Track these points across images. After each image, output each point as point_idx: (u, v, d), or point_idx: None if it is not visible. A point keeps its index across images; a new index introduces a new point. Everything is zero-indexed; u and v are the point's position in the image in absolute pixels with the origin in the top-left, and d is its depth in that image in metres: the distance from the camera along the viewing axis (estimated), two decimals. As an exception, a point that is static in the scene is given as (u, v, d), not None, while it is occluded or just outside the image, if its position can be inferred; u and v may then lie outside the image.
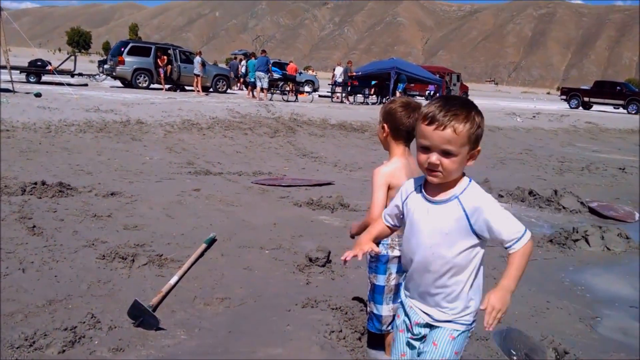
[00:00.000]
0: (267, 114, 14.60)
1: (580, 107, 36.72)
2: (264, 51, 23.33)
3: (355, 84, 25.34)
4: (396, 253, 3.06)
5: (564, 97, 39.80)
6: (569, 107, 37.16)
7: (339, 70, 28.07)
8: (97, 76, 25.96)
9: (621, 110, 35.60)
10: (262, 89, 20.76)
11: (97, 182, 7.37)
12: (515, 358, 2.66)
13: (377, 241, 3.06)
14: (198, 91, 21.71)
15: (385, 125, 2.97)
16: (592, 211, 7.67)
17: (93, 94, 15.49)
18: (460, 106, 1.96)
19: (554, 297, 4.38)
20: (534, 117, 21.57)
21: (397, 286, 3.13)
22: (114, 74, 22.36)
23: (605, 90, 37.75)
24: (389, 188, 2.83)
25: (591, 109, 35.91)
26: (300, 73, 33.80)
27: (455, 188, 2.03)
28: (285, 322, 3.60)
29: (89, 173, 8.03)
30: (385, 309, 3.13)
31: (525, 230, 1.98)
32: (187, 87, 23.03)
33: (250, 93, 22.34)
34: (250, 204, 6.93)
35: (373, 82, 26.06)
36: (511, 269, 2.02)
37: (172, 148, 10.37)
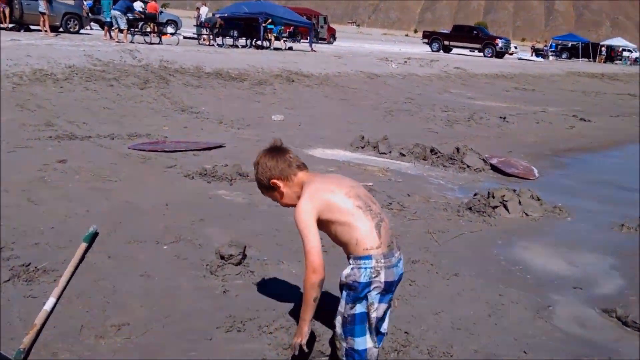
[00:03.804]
0: (133, 60, 13.00)
1: (441, 51, 38.00)
2: None
3: (222, 25, 23.79)
4: (382, 278, 2.35)
5: (425, 40, 40.99)
6: (430, 50, 38.29)
7: (204, 9, 26.32)
8: None
9: (477, 53, 37.30)
10: (120, 30, 18.72)
11: None
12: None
13: (359, 265, 2.37)
14: (46, 31, 19.07)
15: (274, 183, 2.51)
16: (494, 168, 7.52)
17: None
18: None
19: (500, 284, 3.97)
20: (405, 62, 21.64)
21: (377, 320, 2.44)
22: (-61, 10, 18.99)
23: (463, 34, 39.52)
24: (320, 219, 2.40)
25: (451, 52, 37.27)
26: (161, 12, 31.23)
27: None
28: (208, 357, 2.80)
29: None
30: (369, 341, 2.44)
31: None
32: (32, 27, 20.17)
33: (107, 34, 20.09)
34: (132, 178, 5.84)
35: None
36: None
37: (24, 105, 8.71)
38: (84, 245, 3.95)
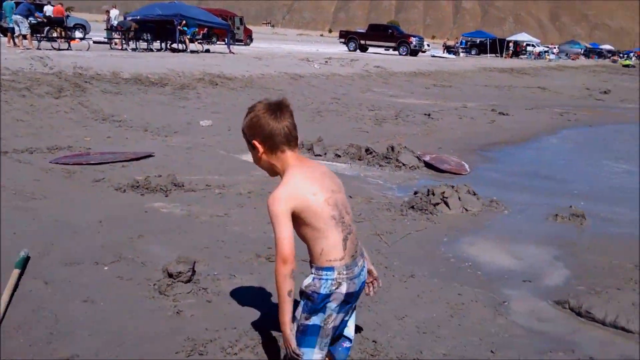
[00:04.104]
0: (44, 68, 12.26)
1: (358, 50, 38.57)
2: None
3: (136, 28, 23.00)
4: (342, 289, 2.27)
5: (342, 40, 41.49)
6: (347, 49, 38.78)
7: (114, 12, 25.39)
8: None
9: (392, 52, 38.14)
10: (23, 36, 17.72)
11: None
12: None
13: (320, 275, 2.28)
14: (-59, 39, 17.75)
15: (255, 142, 2.29)
16: (428, 165, 7.63)
17: None
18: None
19: (455, 283, 3.99)
20: (326, 62, 21.73)
21: (334, 329, 2.35)
22: None
23: (378, 33, 40.33)
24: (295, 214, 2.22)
25: (367, 51, 37.89)
26: (68, 16, 29.78)
27: None
28: (174, 388, 2.62)
29: None
30: (316, 354, 2.33)
31: None
32: None
33: (11, 41, 18.94)
34: (59, 195, 5.45)
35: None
36: None
37: None
38: (16, 271, 3.62)
